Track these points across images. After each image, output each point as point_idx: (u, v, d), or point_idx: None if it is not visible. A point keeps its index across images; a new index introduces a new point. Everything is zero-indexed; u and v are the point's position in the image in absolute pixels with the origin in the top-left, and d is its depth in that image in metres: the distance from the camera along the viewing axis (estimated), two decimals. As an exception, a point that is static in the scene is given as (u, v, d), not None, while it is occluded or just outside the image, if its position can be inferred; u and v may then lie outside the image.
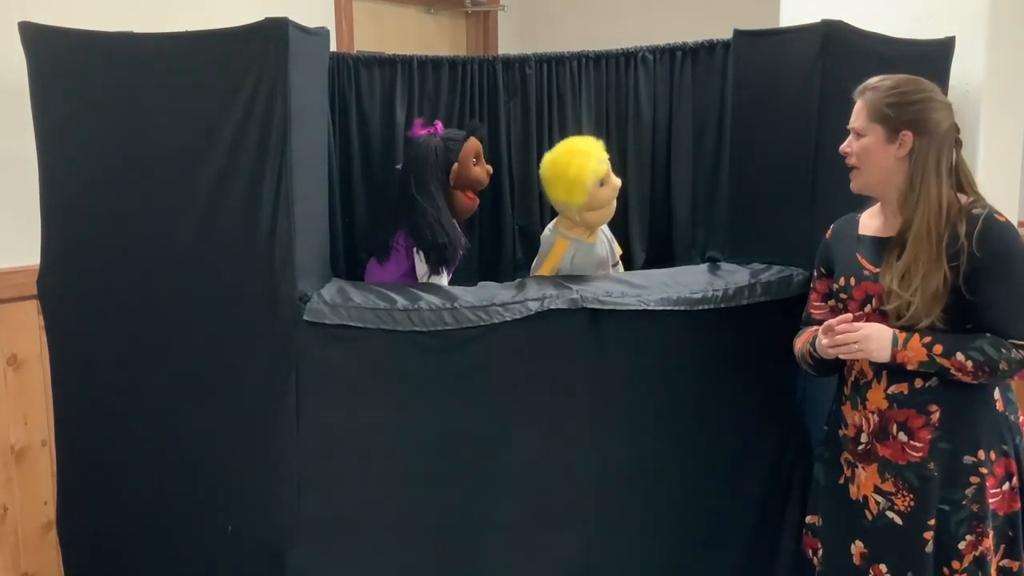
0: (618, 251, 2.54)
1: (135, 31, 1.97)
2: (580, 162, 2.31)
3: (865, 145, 1.90)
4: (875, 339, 1.84)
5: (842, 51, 2.27)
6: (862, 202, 2.09)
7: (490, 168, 2.49)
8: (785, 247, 2.37)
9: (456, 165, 2.41)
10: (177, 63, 1.92)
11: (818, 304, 2.11)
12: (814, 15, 2.36)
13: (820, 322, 2.00)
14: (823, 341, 1.91)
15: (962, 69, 2.52)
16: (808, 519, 2.14)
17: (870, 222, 2.02)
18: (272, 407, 1.99)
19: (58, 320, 2.08)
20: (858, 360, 1.95)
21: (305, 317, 1.96)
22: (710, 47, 2.74)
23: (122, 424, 2.07)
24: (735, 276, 2.32)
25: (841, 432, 2.03)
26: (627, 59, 2.84)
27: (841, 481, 2.03)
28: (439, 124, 2.52)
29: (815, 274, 2.12)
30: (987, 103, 2.63)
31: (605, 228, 2.48)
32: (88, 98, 1.96)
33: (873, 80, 1.93)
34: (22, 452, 2.43)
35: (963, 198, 1.88)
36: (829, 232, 2.11)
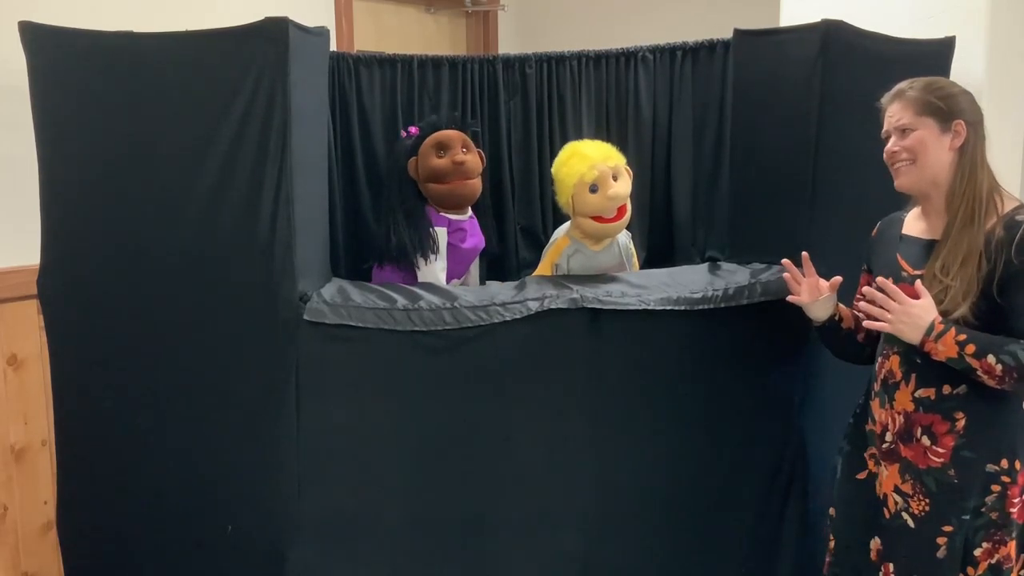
0: (635, 268, 2.52)
1: (135, 31, 1.97)
2: (571, 163, 2.31)
3: (921, 138, 1.87)
4: (912, 318, 1.80)
5: (842, 51, 2.26)
6: (864, 201, 2.09)
7: (461, 159, 2.43)
8: (785, 247, 2.36)
9: (415, 158, 2.45)
10: (177, 63, 1.92)
11: (858, 298, 2.10)
12: (814, 15, 2.36)
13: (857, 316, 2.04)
14: (864, 290, 1.89)
15: (962, 69, 2.52)
16: (831, 511, 2.12)
17: (914, 222, 2.00)
18: (272, 407, 1.99)
19: (58, 320, 2.08)
20: (888, 360, 1.93)
21: (305, 317, 1.96)
22: (710, 47, 2.75)
23: (122, 424, 2.07)
24: (735, 276, 2.32)
25: (868, 427, 2.01)
26: (627, 59, 2.84)
27: (862, 476, 2.01)
28: (412, 128, 2.54)
29: (862, 270, 2.11)
30: (987, 103, 2.62)
31: (624, 240, 2.46)
32: (88, 98, 1.96)
33: (904, 83, 1.92)
34: (22, 452, 2.43)
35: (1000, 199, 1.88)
36: (875, 230, 2.10)
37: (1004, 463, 1.84)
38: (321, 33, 2.11)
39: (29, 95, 1.99)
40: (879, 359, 1.98)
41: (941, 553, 1.86)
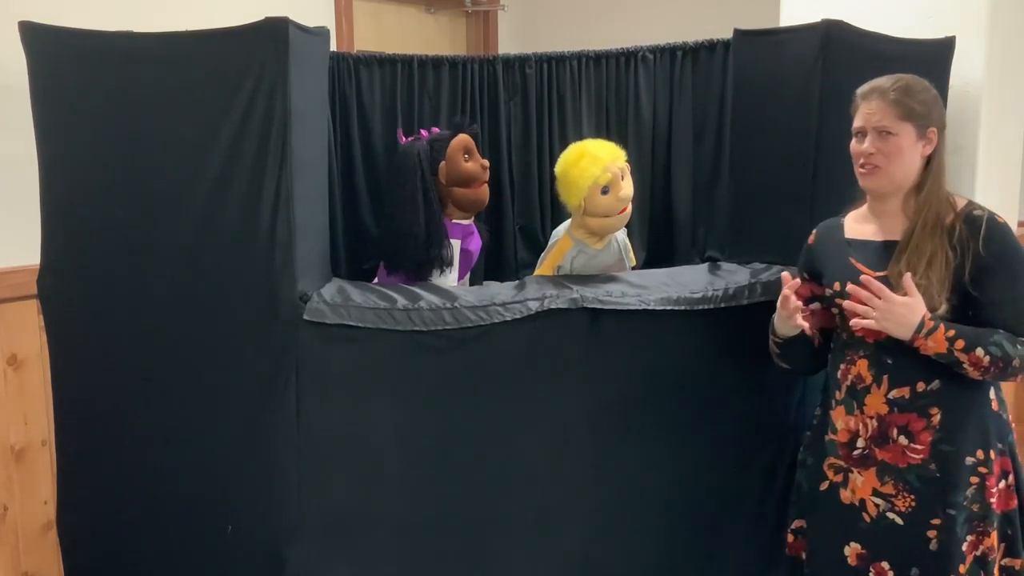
0: (632, 262, 2.52)
1: (135, 31, 1.97)
2: (583, 164, 2.30)
3: (899, 144, 1.89)
4: (897, 316, 1.80)
5: (842, 51, 2.27)
6: (864, 201, 2.08)
7: (485, 162, 2.47)
8: (785, 247, 2.36)
9: (444, 163, 2.41)
10: (177, 63, 1.92)
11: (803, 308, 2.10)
12: (814, 15, 2.36)
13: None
14: (848, 287, 1.87)
15: (962, 69, 2.52)
16: (795, 524, 2.14)
17: (860, 226, 2.02)
18: (272, 407, 1.99)
19: (58, 320, 2.08)
20: (855, 365, 1.95)
21: (305, 317, 1.96)
22: (710, 47, 2.75)
23: (122, 424, 2.06)
24: (735, 276, 2.32)
25: (828, 438, 2.02)
26: (627, 59, 2.84)
27: (823, 487, 2.02)
28: (424, 132, 2.52)
29: (802, 277, 2.11)
30: (987, 103, 2.63)
31: (621, 237, 2.46)
32: (88, 98, 1.96)
33: (885, 80, 1.92)
34: (22, 452, 2.43)
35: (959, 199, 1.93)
36: (812, 237, 2.10)
37: (980, 454, 1.88)
38: (321, 33, 2.11)
39: (29, 95, 1.99)
40: (841, 366, 1.99)
41: (933, 546, 1.89)
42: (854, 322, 1.85)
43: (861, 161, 1.93)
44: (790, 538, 2.16)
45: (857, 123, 1.94)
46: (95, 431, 2.09)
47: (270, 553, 2.02)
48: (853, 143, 1.96)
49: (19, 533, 2.45)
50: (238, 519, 2.04)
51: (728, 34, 2.56)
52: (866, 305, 1.82)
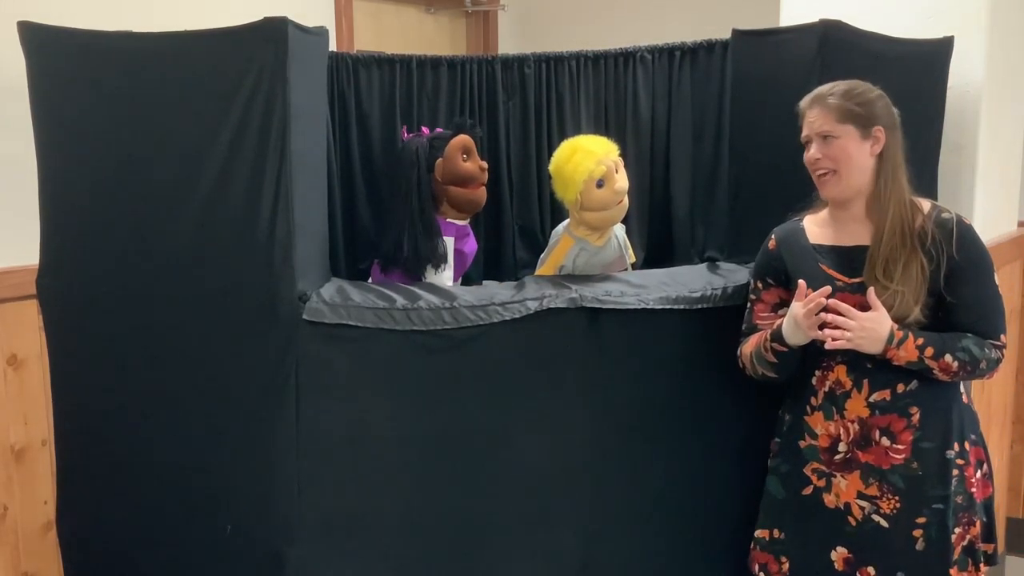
0: (631, 258, 2.53)
1: (135, 31, 1.97)
2: (577, 159, 2.31)
3: (843, 146, 1.91)
4: (868, 332, 1.83)
5: (841, 51, 2.27)
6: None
7: (484, 164, 2.46)
8: (784, 247, 2.36)
9: (441, 160, 2.41)
10: (177, 63, 1.92)
11: (766, 315, 2.09)
12: (813, 15, 2.37)
13: None
14: (828, 318, 1.84)
15: (962, 69, 2.52)
16: (758, 533, 2.12)
17: (822, 231, 2.02)
18: (272, 407, 1.99)
19: (58, 320, 2.08)
20: (832, 371, 1.96)
21: (305, 317, 1.96)
22: (709, 47, 2.75)
23: (122, 424, 2.07)
24: (734, 275, 2.32)
25: (804, 443, 2.02)
26: (626, 59, 2.85)
27: (807, 492, 2.02)
28: (425, 129, 2.52)
29: (759, 285, 2.11)
30: (987, 103, 2.63)
31: (620, 233, 2.46)
32: (88, 98, 1.96)
33: (825, 88, 1.96)
34: (22, 452, 2.44)
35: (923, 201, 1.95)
36: (772, 242, 2.10)
37: (957, 447, 1.92)
38: (321, 33, 2.11)
39: (29, 95, 1.99)
40: (817, 373, 2.00)
41: (920, 545, 1.91)
42: (828, 344, 1.86)
43: (813, 169, 1.96)
44: (752, 546, 2.14)
45: (804, 133, 1.98)
46: (95, 431, 2.09)
47: (270, 553, 2.02)
48: (805, 154, 1.98)
49: (19, 533, 2.45)
50: (238, 519, 2.04)
51: (727, 34, 2.56)
52: (839, 328, 1.84)
